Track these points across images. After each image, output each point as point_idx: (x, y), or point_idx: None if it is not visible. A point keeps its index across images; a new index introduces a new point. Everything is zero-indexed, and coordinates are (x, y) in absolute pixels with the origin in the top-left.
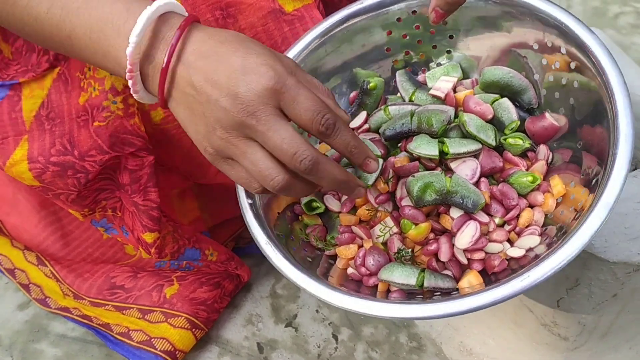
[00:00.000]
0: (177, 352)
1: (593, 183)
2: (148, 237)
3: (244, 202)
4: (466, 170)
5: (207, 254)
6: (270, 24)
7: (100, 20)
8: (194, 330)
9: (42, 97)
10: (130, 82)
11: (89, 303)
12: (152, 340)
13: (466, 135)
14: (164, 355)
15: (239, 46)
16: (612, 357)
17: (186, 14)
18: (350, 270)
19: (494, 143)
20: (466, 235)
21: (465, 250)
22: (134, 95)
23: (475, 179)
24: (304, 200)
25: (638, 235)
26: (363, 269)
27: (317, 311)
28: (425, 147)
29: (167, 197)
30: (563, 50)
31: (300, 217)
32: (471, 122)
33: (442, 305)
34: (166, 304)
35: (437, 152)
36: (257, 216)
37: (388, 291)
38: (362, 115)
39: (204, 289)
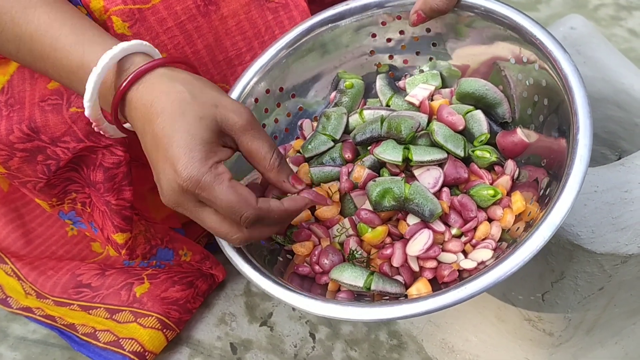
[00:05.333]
0: (146, 354)
1: (547, 201)
2: (119, 238)
3: None
4: (429, 178)
5: (180, 254)
6: (253, 12)
7: (65, 68)
8: (165, 330)
9: (3, 83)
10: (100, 131)
11: (52, 302)
12: (120, 340)
13: (434, 144)
14: (132, 356)
15: (182, 122)
16: (598, 353)
17: (152, 51)
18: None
19: (462, 154)
20: (418, 243)
21: (418, 258)
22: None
23: (436, 188)
24: None
25: (626, 226)
26: (317, 267)
27: (293, 309)
28: (390, 152)
29: (140, 192)
30: (536, 67)
31: None
32: (439, 131)
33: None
34: (136, 304)
35: (400, 158)
36: None
37: (339, 291)
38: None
39: (176, 288)
